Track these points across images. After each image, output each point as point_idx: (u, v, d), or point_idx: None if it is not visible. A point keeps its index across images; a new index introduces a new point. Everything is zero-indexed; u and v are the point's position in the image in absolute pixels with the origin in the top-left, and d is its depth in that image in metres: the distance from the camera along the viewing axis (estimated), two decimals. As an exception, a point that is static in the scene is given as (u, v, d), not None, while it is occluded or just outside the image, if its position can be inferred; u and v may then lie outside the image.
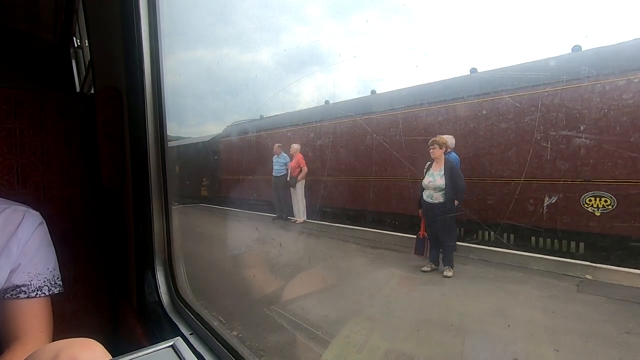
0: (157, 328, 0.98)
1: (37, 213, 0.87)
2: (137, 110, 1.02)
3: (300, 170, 6.14)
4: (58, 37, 2.77)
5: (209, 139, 10.89)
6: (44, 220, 0.88)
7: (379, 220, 5.41)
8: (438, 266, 3.42)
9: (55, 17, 2.48)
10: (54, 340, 0.82)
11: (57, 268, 0.89)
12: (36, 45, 2.72)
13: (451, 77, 4.91)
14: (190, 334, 0.87)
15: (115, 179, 1.12)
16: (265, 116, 8.95)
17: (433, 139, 3.49)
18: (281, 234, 5.75)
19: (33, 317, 0.80)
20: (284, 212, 6.43)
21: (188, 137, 12.67)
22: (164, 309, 1.01)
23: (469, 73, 4.70)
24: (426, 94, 4.96)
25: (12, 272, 0.78)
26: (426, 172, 3.53)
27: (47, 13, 2.43)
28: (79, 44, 2.97)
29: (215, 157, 10.40)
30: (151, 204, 1.02)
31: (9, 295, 0.78)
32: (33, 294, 0.80)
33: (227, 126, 10.18)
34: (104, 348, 0.53)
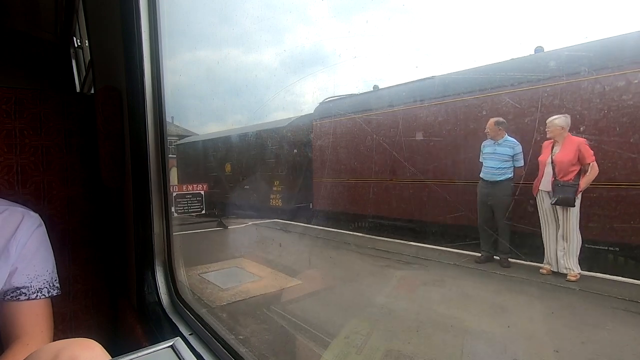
0: (157, 328, 0.98)
1: (36, 215, 0.87)
2: (137, 110, 1.02)
3: (580, 171, 3.11)
4: (58, 37, 2.77)
5: (286, 123, 7.46)
6: (42, 222, 0.88)
7: None
8: None
9: (55, 17, 2.48)
10: (54, 340, 0.82)
11: (55, 270, 0.89)
12: (36, 45, 2.72)
13: None
14: (189, 334, 0.87)
15: (115, 179, 1.12)
16: (384, 85, 5.75)
17: None
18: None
19: (34, 317, 0.80)
20: (503, 251, 3.47)
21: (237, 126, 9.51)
22: (164, 309, 1.01)
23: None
24: None
25: (11, 274, 0.79)
26: None
27: (47, 13, 2.43)
28: (79, 44, 2.97)
29: (296, 151, 7.30)
30: (151, 204, 1.02)
31: (9, 297, 0.78)
32: (33, 296, 0.81)
33: (320, 103, 6.71)
34: (103, 348, 0.53)
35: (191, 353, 0.75)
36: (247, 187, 8.14)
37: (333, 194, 6.17)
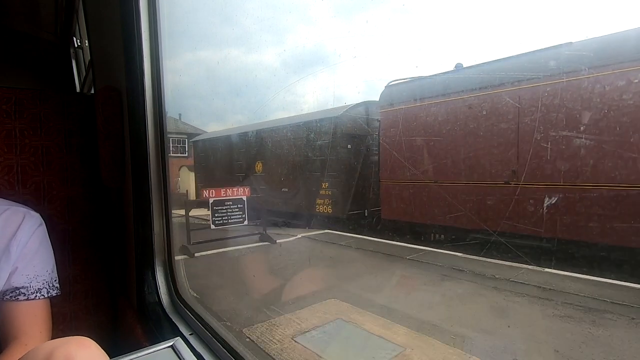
0: (157, 328, 0.98)
1: (37, 215, 0.87)
2: (137, 110, 1.02)
3: None
4: (58, 37, 2.77)
5: (339, 112, 6.11)
6: (43, 222, 0.88)
7: None
8: None
9: (55, 17, 2.48)
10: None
11: (55, 271, 0.89)
12: (36, 45, 2.72)
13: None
14: (190, 334, 0.87)
15: (115, 179, 1.12)
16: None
17: None
18: None
19: (32, 317, 0.80)
20: None
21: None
22: (164, 309, 1.01)
23: None
24: None
25: (11, 274, 0.79)
26: None
27: (47, 13, 2.43)
28: (79, 44, 2.97)
29: (350, 146, 6.00)
30: (151, 204, 1.02)
31: (8, 297, 0.78)
32: (32, 296, 0.80)
33: (386, 87, 5.38)
34: (99, 346, 0.53)
35: (191, 353, 0.75)
36: (286, 189, 6.73)
37: (413, 200, 4.65)
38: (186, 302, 1.00)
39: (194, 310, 0.95)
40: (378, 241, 5.06)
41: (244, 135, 8.42)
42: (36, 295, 0.81)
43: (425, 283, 3.52)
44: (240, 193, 4.77)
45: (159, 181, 1.03)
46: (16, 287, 0.79)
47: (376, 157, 5.72)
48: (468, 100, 4.21)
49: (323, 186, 6.17)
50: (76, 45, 3.02)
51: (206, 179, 9.95)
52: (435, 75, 4.87)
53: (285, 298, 3.19)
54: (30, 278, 0.81)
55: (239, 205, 4.68)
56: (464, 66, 4.63)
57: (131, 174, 1.08)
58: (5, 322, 0.78)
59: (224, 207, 4.60)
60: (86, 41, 2.27)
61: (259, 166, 7.63)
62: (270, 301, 3.10)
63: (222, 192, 4.73)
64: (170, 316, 0.99)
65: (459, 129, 4.33)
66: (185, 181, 12.68)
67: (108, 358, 0.53)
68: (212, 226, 4.55)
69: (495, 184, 4.02)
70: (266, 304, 3.06)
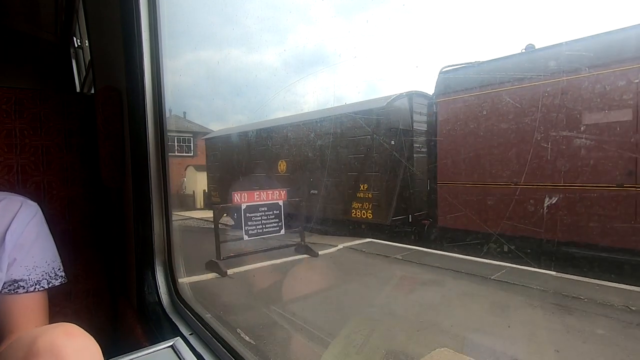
0: (157, 328, 0.98)
1: (35, 204, 0.85)
2: (137, 110, 1.02)
3: None
4: (58, 37, 2.77)
5: (383, 103, 5.36)
6: (40, 211, 0.86)
7: None
8: None
9: (55, 17, 2.49)
10: None
11: (58, 260, 0.86)
12: (36, 45, 2.72)
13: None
14: (190, 334, 0.87)
15: (115, 179, 1.12)
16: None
17: None
18: None
19: (30, 311, 0.78)
20: None
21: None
22: (164, 309, 1.01)
23: None
24: None
25: (9, 265, 0.77)
26: None
27: (47, 13, 2.44)
28: (79, 44, 2.97)
29: (394, 142, 5.26)
30: (151, 204, 1.02)
31: (6, 290, 0.77)
32: (32, 289, 0.78)
33: (441, 73, 4.49)
34: (84, 331, 0.52)
35: (191, 353, 0.75)
36: (315, 191, 6.10)
37: (484, 206, 3.85)
38: (186, 302, 1.00)
39: (193, 310, 0.95)
40: (440, 254, 4.12)
41: (264, 132, 7.59)
42: (35, 288, 0.79)
43: (546, 319, 2.58)
44: (276, 197, 4.16)
45: (159, 181, 1.03)
46: (15, 280, 0.77)
47: (424, 155, 5.04)
48: (572, 83, 3.26)
49: (361, 188, 5.37)
50: (76, 45, 3.02)
51: (219, 179, 9.26)
52: (511, 56, 3.96)
53: (377, 345, 2.29)
54: (29, 270, 0.79)
55: (275, 212, 4.10)
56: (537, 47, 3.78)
57: (131, 174, 1.08)
58: (2, 315, 0.76)
59: (258, 214, 3.99)
60: (86, 41, 2.27)
61: (282, 166, 6.94)
62: (359, 349, 2.25)
63: (256, 196, 4.09)
64: (170, 316, 0.99)
65: (548, 121, 3.43)
66: (192, 182, 12.42)
67: (95, 342, 0.52)
68: (245, 237, 3.91)
69: (601, 188, 3.15)
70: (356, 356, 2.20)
